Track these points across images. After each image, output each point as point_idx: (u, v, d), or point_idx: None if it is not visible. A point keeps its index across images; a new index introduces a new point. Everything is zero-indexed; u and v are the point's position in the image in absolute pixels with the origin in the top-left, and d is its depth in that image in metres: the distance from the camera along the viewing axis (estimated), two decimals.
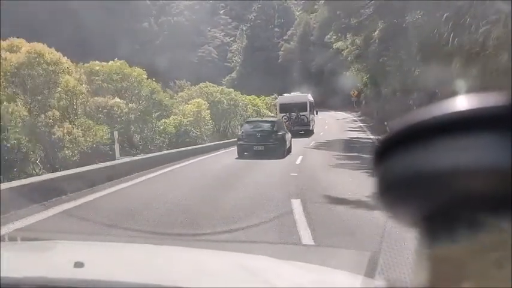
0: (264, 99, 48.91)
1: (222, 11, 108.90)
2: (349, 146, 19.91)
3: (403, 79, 22.96)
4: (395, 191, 0.43)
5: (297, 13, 79.14)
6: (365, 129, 31.85)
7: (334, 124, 38.43)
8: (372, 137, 24.75)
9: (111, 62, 21.85)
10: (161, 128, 21.75)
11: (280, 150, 14.89)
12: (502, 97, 0.37)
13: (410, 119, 0.41)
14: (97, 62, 21.45)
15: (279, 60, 73.77)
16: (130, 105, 18.34)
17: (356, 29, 29.53)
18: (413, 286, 0.40)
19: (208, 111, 26.47)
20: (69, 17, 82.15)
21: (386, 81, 29.23)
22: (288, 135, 16.88)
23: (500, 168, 0.35)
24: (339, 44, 49.36)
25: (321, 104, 47.39)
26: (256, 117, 42.13)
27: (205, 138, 25.73)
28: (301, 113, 28.99)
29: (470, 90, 13.39)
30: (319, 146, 20.24)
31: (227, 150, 20.22)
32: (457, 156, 0.37)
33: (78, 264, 1.21)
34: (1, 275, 1.11)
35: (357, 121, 41.36)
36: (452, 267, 0.39)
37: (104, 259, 1.63)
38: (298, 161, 13.54)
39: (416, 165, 0.40)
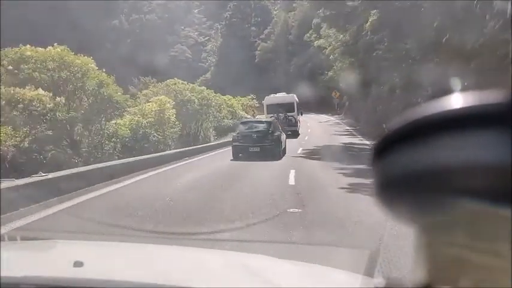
0: (240, 99, 44.58)
1: (196, 10, 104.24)
2: (347, 154, 15.75)
3: (407, 73, 19.01)
4: (394, 189, 0.42)
5: (275, 12, 75.23)
6: (354, 133, 27.86)
7: (317, 127, 34.39)
8: (367, 142, 20.68)
9: (49, 48, 17.10)
10: (111, 130, 17.10)
11: (276, 152, 14.35)
12: (501, 94, 0.37)
13: (408, 117, 0.41)
14: (28, 46, 16.69)
15: (256, 60, 69.47)
16: (58, 99, 13.66)
17: (347, 17, 25.57)
18: (412, 285, 0.42)
19: (174, 110, 21.88)
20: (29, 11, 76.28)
21: (381, 77, 25.32)
22: (283, 136, 16.19)
23: (500, 165, 0.35)
24: (321, 42, 45.61)
25: (300, 106, 43.51)
26: (231, 119, 37.85)
27: (169, 143, 21.15)
28: (289, 114, 27.51)
29: None
30: (310, 155, 15.96)
31: (193, 159, 15.72)
32: (456, 153, 0.37)
33: (78, 264, 1.18)
34: (1, 275, 1.09)
35: (341, 124, 37.43)
36: (452, 265, 0.39)
37: (104, 258, 1.60)
38: (291, 180, 9.21)
39: (416, 163, 0.39)
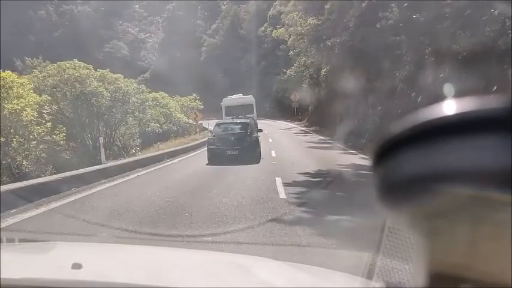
0: (180, 100, 34.49)
1: (137, 5, 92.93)
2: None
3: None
4: (396, 192, 0.42)
5: (224, 5, 65.69)
6: (340, 145, 18.59)
7: (281, 137, 25.11)
8: None
9: None
10: None
11: (254, 155, 13.06)
12: (500, 100, 0.37)
13: (408, 122, 0.40)
14: None
15: (202, 58, 59.43)
16: None
17: None
18: (412, 287, 0.43)
19: (28, 101, 11.54)
20: None
21: (387, 63, 16.39)
22: (259, 138, 14.76)
23: (501, 168, 0.35)
24: (279, 32, 36.59)
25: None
26: (165, 122, 27.82)
27: (23, 162, 10.80)
28: (249, 116, 23.77)
29: None
30: (314, 208, 6.25)
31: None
32: (456, 157, 0.37)
33: (76, 266, 1.16)
34: (0, 276, 1.06)
35: (309, 132, 28.39)
36: (452, 269, 0.39)
37: (102, 260, 1.55)
38: None
39: (417, 166, 0.39)
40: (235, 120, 16.75)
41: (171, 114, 28.39)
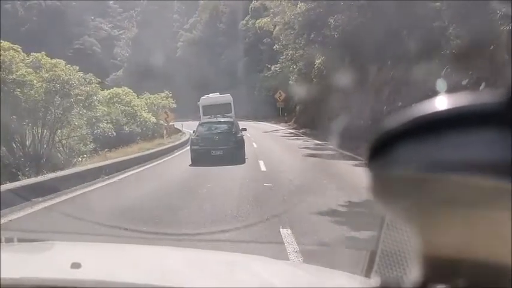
0: (149, 97, 29.49)
1: (111, 1, 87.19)
2: None
3: None
4: (391, 186, 0.41)
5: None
6: (344, 150, 14.05)
7: (267, 140, 20.56)
8: None
9: None
10: None
11: (240, 155, 12.70)
12: (496, 94, 0.37)
13: (402, 117, 0.40)
14: None
15: (178, 54, 54.39)
16: None
17: None
18: (410, 284, 0.43)
19: None
20: None
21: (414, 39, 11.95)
22: (243, 137, 14.05)
23: (498, 163, 0.35)
24: (264, 22, 32.05)
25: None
26: (127, 123, 22.91)
27: None
28: (227, 115, 22.11)
29: None
30: None
31: None
32: (452, 151, 0.37)
33: (75, 265, 1.15)
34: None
35: (301, 136, 23.84)
36: (449, 264, 0.39)
37: (101, 260, 1.53)
38: None
39: (412, 161, 0.39)
40: (219, 120, 15.99)
41: (135, 113, 23.43)
